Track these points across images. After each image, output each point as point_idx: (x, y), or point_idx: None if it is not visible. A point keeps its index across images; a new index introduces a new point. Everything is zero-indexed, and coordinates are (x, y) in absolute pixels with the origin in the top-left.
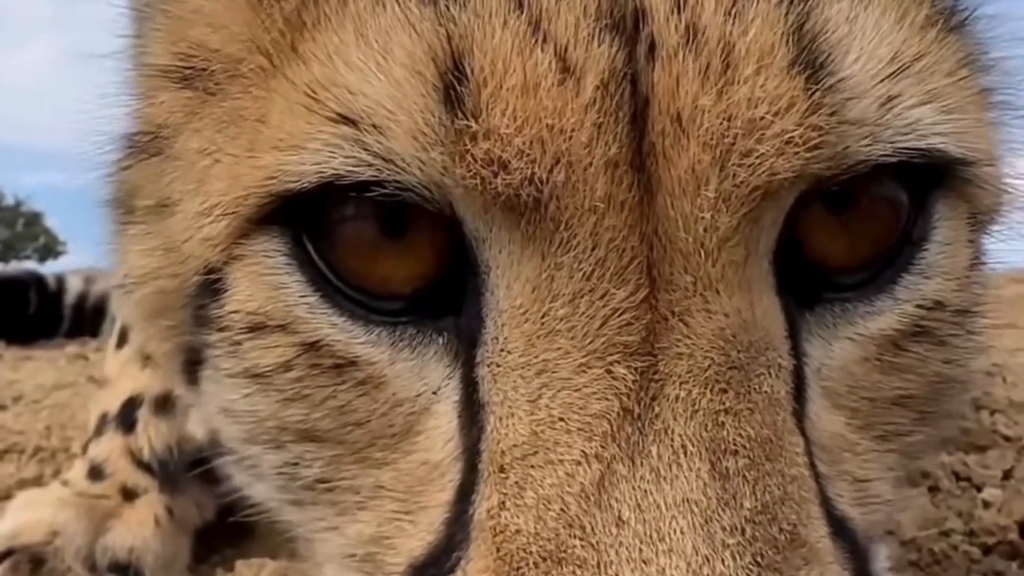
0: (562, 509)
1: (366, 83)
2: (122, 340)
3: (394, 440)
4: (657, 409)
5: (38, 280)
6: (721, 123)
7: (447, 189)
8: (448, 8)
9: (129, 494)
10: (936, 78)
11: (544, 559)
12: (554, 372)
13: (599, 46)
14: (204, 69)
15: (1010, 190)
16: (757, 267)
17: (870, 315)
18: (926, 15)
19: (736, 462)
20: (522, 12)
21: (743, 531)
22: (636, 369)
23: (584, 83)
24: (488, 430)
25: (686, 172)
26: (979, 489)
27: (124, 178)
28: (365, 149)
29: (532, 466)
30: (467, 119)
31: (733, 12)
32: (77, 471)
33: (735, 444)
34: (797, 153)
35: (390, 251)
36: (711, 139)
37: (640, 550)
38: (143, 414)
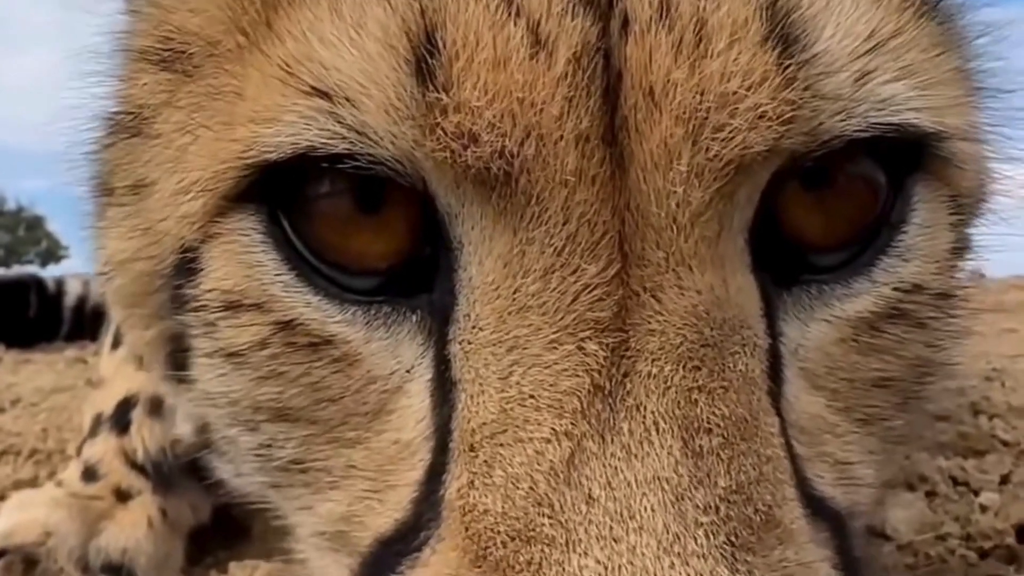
0: (531, 487)
1: (339, 57)
2: (117, 341)
3: (367, 419)
4: (629, 386)
5: (38, 283)
6: (694, 97)
7: (419, 163)
8: None
9: (123, 495)
10: (912, 55)
11: (512, 538)
12: (525, 349)
13: (572, 20)
14: (183, 51)
15: (994, 175)
16: (731, 244)
17: (847, 297)
18: None
19: (710, 440)
20: None
21: (717, 510)
22: (607, 345)
23: (556, 57)
24: (459, 408)
25: (658, 146)
26: (976, 493)
27: (105, 157)
28: (339, 122)
29: (501, 444)
30: (438, 92)
31: None
32: (71, 472)
33: (709, 422)
34: (770, 127)
35: (365, 226)
36: (684, 113)
37: (610, 528)
38: (137, 415)
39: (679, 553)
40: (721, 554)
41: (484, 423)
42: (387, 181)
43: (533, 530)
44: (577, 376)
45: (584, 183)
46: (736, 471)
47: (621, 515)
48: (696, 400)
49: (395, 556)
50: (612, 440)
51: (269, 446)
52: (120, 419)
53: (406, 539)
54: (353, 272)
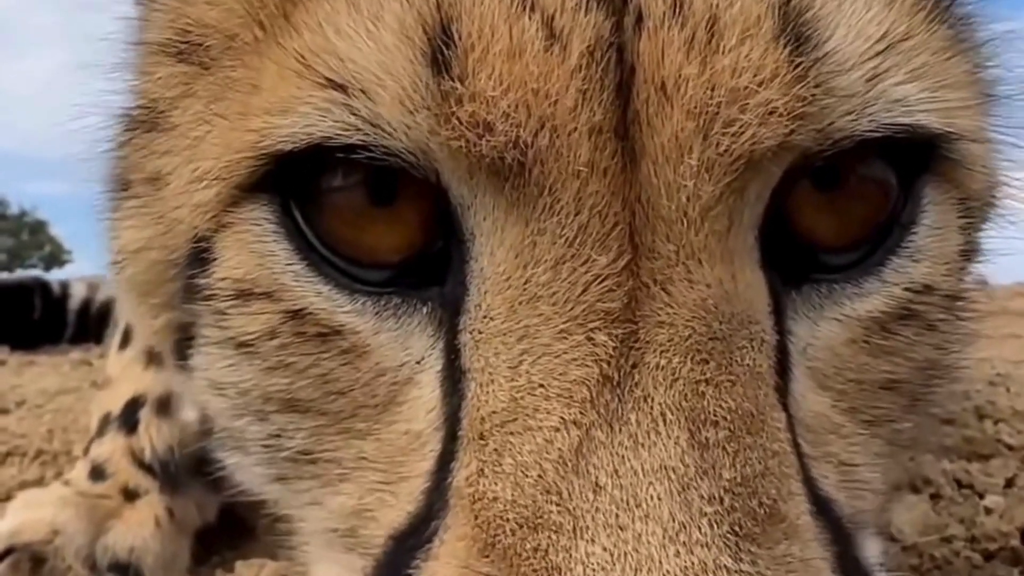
0: (539, 475)
1: (355, 49)
2: (125, 341)
3: (376, 410)
4: (637, 377)
5: (43, 286)
6: (705, 92)
7: (433, 154)
8: None
9: (130, 494)
10: (923, 57)
11: (521, 526)
12: (535, 338)
13: (586, 15)
14: (200, 44)
15: (1005, 178)
16: (741, 239)
17: (857, 297)
18: None
19: (716, 433)
20: None
21: (721, 500)
22: (616, 336)
23: (570, 50)
24: (469, 397)
25: (669, 140)
26: (981, 496)
27: (121, 154)
28: (354, 113)
29: (511, 433)
30: (453, 82)
31: None
32: (79, 471)
33: (715, 415)
34: (780, 122)
35: (378, 219)
36: (695, 107)
37: (616, 516)
38: (145, 415)
39: (684, 542)
40: (725, 543)
41: (494, 412)
42: (400, 174)
43: (541, 517)
44: (586, 366)
45: (596, 175)
46: (741, 464)
47: (627, 503)
48: (703, 392)
49: (409, 552)
50: (620, 430)
51: (278, 436)
52: (128, 419)
53: (418, 532)
54: (365, 265)
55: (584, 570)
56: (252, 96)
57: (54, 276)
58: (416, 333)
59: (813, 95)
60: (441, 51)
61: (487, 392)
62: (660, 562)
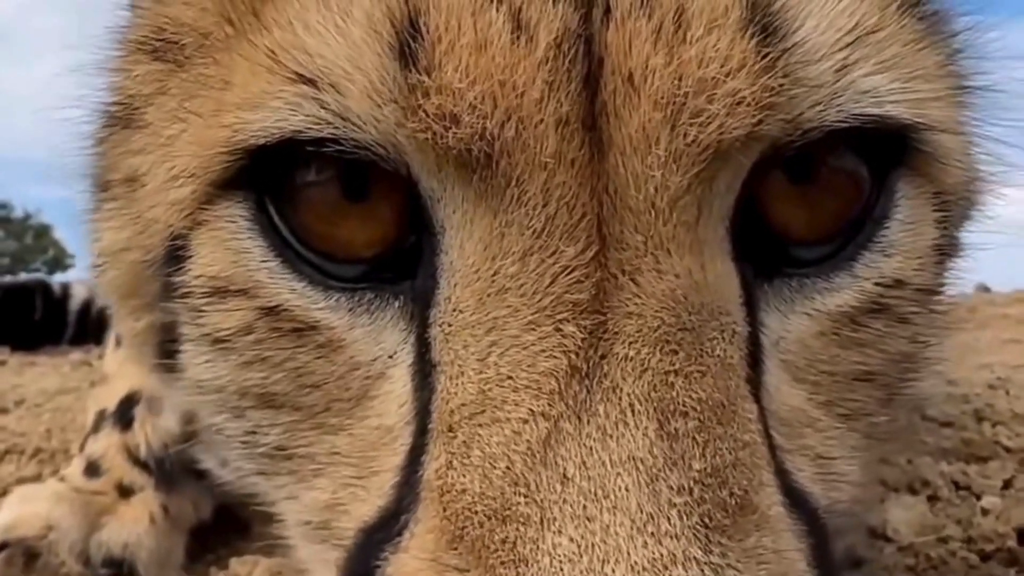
0: (508, 467)
1: (325, 44)
2: (121, 339)
3: (350, 405)
4: (606, 368)
5: (44, 287)
6: (672, 82)
7: (401, 146)
8: None
9: (125, 491)
10: (894, 48)
11: (489, 517)
12: (503, 330)
13: (553, 7)
14: (176, 42)
15: (985, 174)
16: (711, 230)
17: (828, 291)
18: None
19: (685, 423)
20: None
21: (691, 491)
22: (585, 327)
23: (537, 41)
24: (438, 390)
25: (637, 131)
26: (978, 497)
27: (100, 151)
28: (324, 107)
29: (480, 425)
30: (420, 74)
31: None
32: (74, 467)
33: (684, 405)
34: (748, 112)
35: (352, 214)
36: (662, 98)
37: (584, 507)
38: (140, 412)
39: (652, 532)
40: (694, 534)
41: (463, 404)
42: (372, 168)
43: (509, 509)
44: (555, 358)
45: (563, 166)
46: (711, 454)
47: (595, 495)
48: (672, 383)
49: (378, 544)
50: (588, 421)
51: (254, 432)
52: (123, 415)
53: (388, 525)
54: (339, 260)
55: (551, 561)
56: (224, 93)
57: (56, 280)
58: (389, 327)
59: (781, 85)
60: (408, 44)
61: (456, 384)
62: (628, 553)
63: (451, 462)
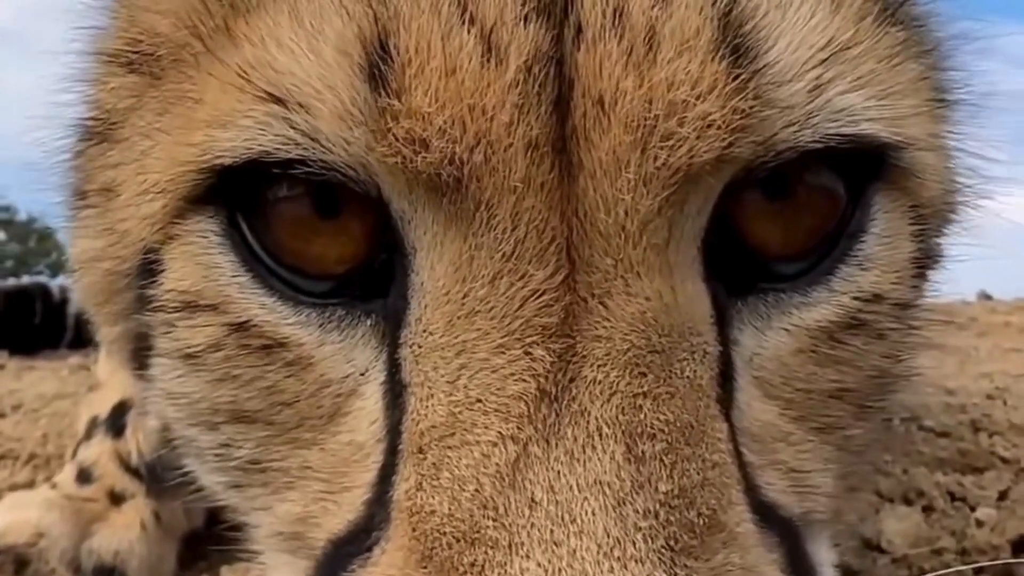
0: (476, 490)
1: (296, 63)
2: None
3: (322, 421)
4: (574, 391)
5: (44, 291)
6: (643, 105)
7: (372, 168)
8: None
9: (116, 498)
10: (870, 64)
11: (457, 540)
12: (473, 353)
13: (524, 28)
14: (151, 54)
15: (960, 185)
16: (682, 252)
17: (805, 306)
18: (862, 2)
19: (653, 446)
20: None
21: (656, 515)
22: (554, 351)
23: (507, 64)
24: (409, 411)
25: (607, 154)
26: (974, 509)
27: (78, 164)
28: (293, 127)
29: (449, 447)
30: (390, 98)
31: None
32: (66, 474)
33: (652, 427)
34: (718, 135)
35: (323, 231)
36: (632, 121)
37: (551, 531)
38: (132, 419)
39: (618, 557)
40: (659, 558)
41: (432, 426)
42: (341, 188)
43: (477, 532)
44: (524, 381)
45: (533, 190)
46: (679, 475)
47: (562, 519)
48: (641, 406)
49: (347, 557)
50: (556, 445)
51: (228, 446)
52: (115, 422)
53: (358, 540)
54: (310, 275)
55: None
56: (195, 110)
57: (58, 282)
58: (360, 345)
59: (752, 107)
60: (378, 66)
61: (426, 406)
62: None
63: (421, 483)
